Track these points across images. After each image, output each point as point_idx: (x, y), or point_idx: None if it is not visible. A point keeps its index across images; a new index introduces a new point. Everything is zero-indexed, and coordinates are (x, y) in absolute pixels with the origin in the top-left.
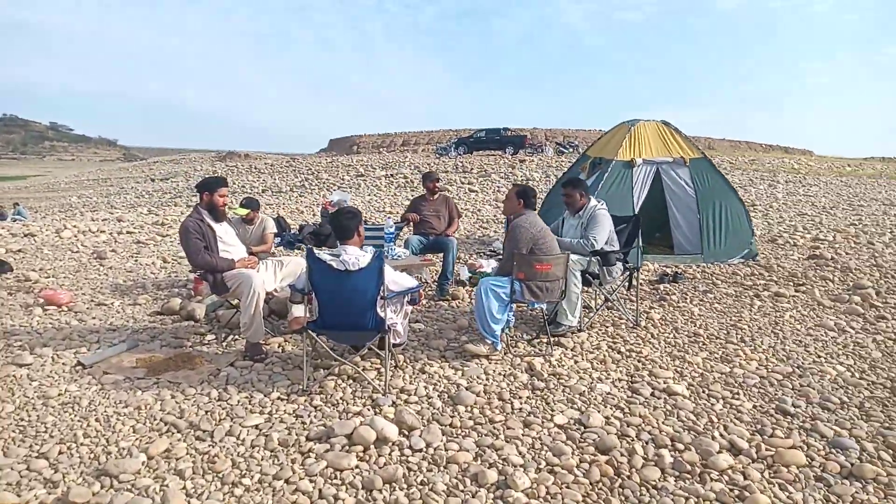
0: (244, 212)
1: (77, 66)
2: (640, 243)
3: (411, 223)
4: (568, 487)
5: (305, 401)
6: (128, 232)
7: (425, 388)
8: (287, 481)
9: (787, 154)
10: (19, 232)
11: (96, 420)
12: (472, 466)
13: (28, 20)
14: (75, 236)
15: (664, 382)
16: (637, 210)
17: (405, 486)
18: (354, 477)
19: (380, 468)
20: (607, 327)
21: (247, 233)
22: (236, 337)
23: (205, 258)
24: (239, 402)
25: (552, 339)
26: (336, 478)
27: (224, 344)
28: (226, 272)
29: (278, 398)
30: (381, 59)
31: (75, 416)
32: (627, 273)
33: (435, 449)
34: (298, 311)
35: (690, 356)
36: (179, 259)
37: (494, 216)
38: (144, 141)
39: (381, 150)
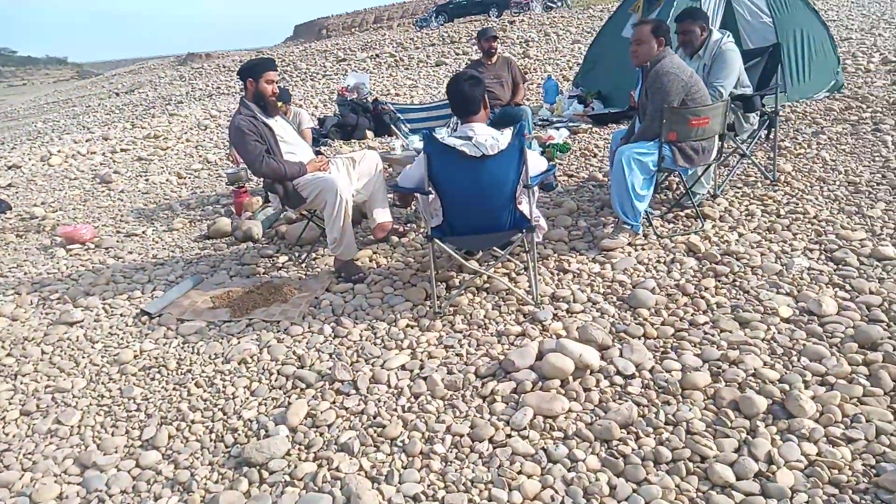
0: None
1: None
2: (780, 80)
3: None
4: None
5: (444, 325)
6: (122, 150)
7: (581, 290)
8: (492, 441)
9: None
10: (1, 165)
11: (197, 385)
12: (723, 391)
13: None
14: (66, 161)
15: (861, 245)
16: None
17: (650, 428)
18: (575, 424)
19: (598, 407)
20: (739, 187)
21: None
22: (314, 255)
23: (270, 164)
24: (363, 336)
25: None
26: (553, 428)
27: (303, 265)
28: (297, 179)
29: (407, 326)
30: None
31: (168, 384)
32: (766, 119)
33: (651, 371)
34: (381, 215)
35: (867, 209)
36: (195, 173)
37: None
38: (96, 55)
39: (352, 30)
